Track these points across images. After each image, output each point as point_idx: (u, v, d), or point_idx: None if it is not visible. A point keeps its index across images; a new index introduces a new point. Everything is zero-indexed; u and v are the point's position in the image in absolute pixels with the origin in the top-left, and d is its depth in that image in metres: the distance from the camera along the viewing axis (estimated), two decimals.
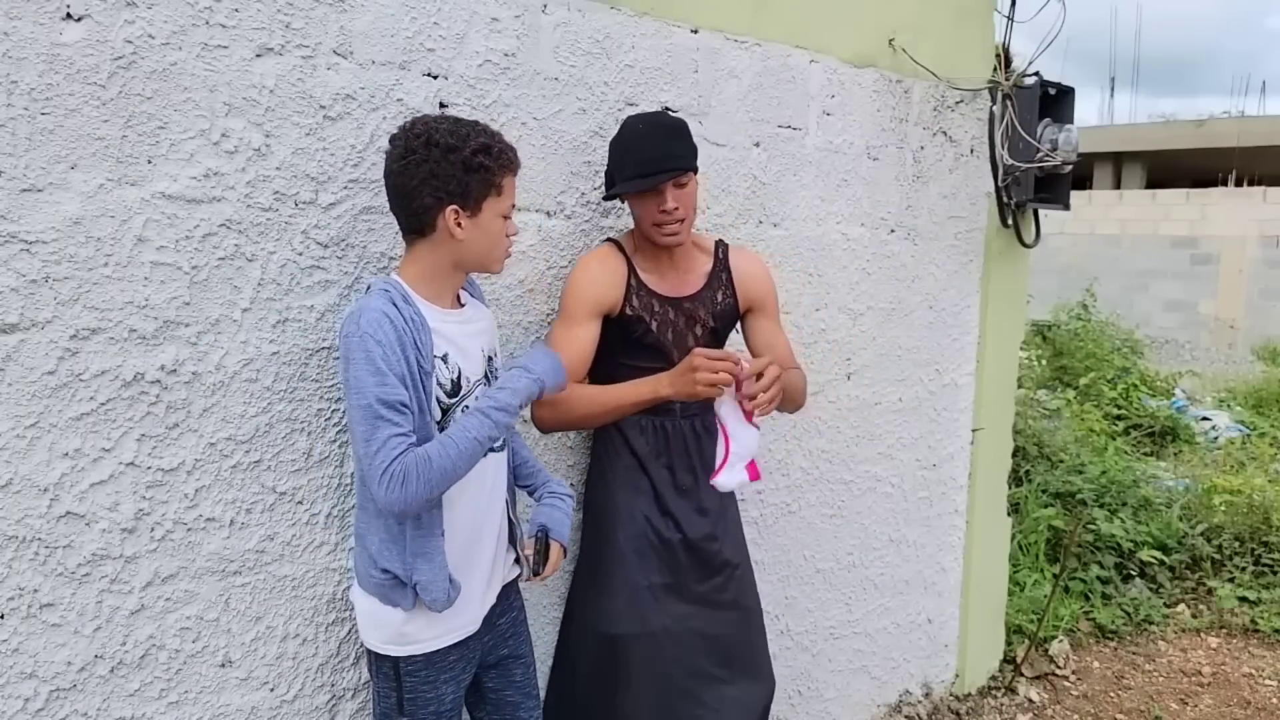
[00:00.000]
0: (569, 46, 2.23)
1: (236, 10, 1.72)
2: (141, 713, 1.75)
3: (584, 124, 2.28)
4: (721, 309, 2.27)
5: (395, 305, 1.69)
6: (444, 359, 1.76)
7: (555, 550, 1.99)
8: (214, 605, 1.81)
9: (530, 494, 2.07)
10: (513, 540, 1.98)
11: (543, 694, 2.25)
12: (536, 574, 1.99)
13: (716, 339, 2.29)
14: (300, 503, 1.90)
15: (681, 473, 2.24)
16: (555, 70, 2.21)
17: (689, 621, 2.26)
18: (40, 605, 1.63)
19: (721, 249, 2.31)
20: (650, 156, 2.07)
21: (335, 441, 1.93)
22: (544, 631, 2.35)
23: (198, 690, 1.81)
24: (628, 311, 2.18)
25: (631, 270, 2.20)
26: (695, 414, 2.25)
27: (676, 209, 2.08)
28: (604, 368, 2.26)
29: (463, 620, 1.84)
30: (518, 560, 2.01)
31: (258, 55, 1.75)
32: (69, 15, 1.55)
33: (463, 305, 1.87)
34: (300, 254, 1.84)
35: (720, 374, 2.01)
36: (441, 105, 2.00)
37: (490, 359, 1.90)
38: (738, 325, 2.36)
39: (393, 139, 1.75)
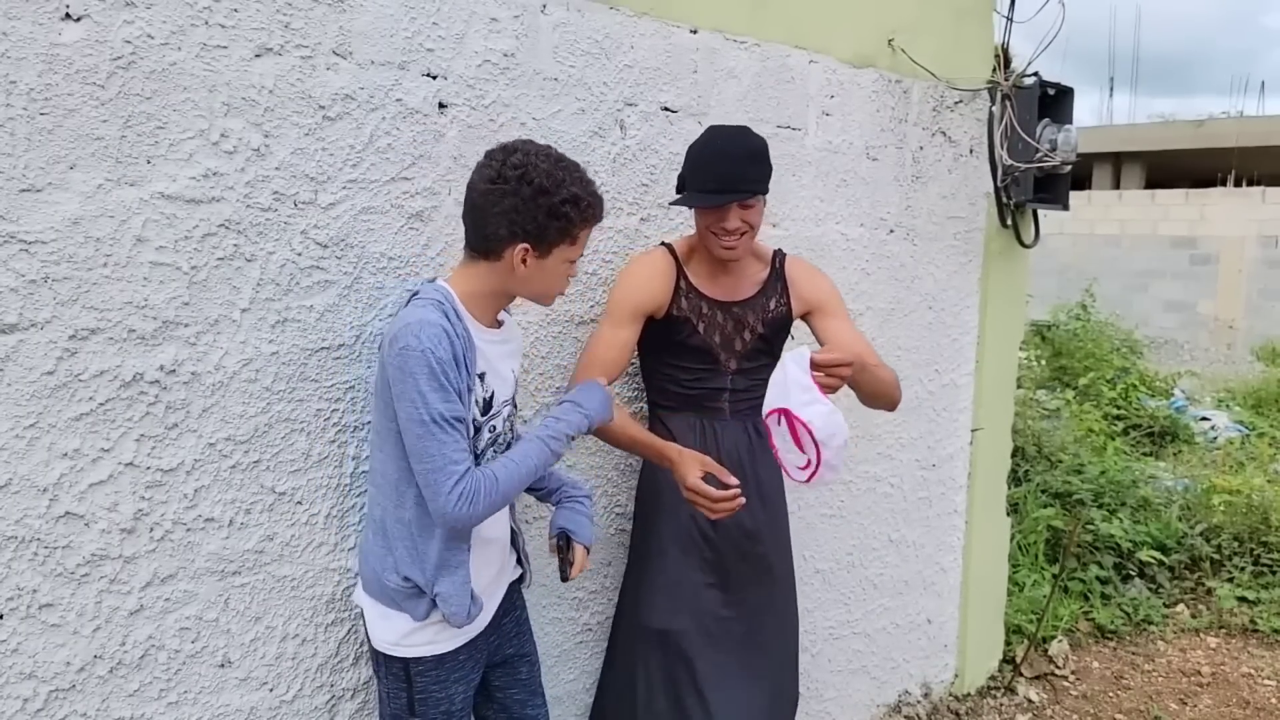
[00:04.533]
0: (568, 47, 2.23)
1: (235, 10, 1.72)
2: (141, 713, 1.75)
3: (583, 124, 2.27)
4: (774, 315, 2.28)
5: (448, 318, 1.69)
6: (481, 378, 1.77)
7: (580, 552, 1.99)
8: (213, 605, 1.81)
9: (548, 499, 2.07)
10: (513, 542, 2.00)
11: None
12: (565, 579, 1.99)
13: (766, 345, 2.28)
14: (300, 503, 1.90)
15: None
16: (554, 70, 2.21)
17: (728, 623, 2.28)
18: (39, 605, 1.62)
19: (779, 259, 2.33)
20: (724, 173, 2.07)
21: (334, 441, 1.93)
22: (544, 631, 2.35)
23: (197, 690, 1.81)
24: (674, 313, 2.20)
25: (681, 274, 2.22)
26: (746, 414, 2.27)
27: (738, 228, 2.10)
28: (651, 366, 2.29)
29: (473, 621, 1.84)
30: (519, 561, 2.03)
31: (257, 55, 1.75)
32: (68, 15, 1.55)
33: (500, 325, 1.87)
34: (299, 254, 1.84)
35: (711, 507, 2.01)
36: (441, 105, 2.00)
37: (516, 380, 1.91)
38: (791, 333, 2.36)
39: (490, 154, 1.73)
